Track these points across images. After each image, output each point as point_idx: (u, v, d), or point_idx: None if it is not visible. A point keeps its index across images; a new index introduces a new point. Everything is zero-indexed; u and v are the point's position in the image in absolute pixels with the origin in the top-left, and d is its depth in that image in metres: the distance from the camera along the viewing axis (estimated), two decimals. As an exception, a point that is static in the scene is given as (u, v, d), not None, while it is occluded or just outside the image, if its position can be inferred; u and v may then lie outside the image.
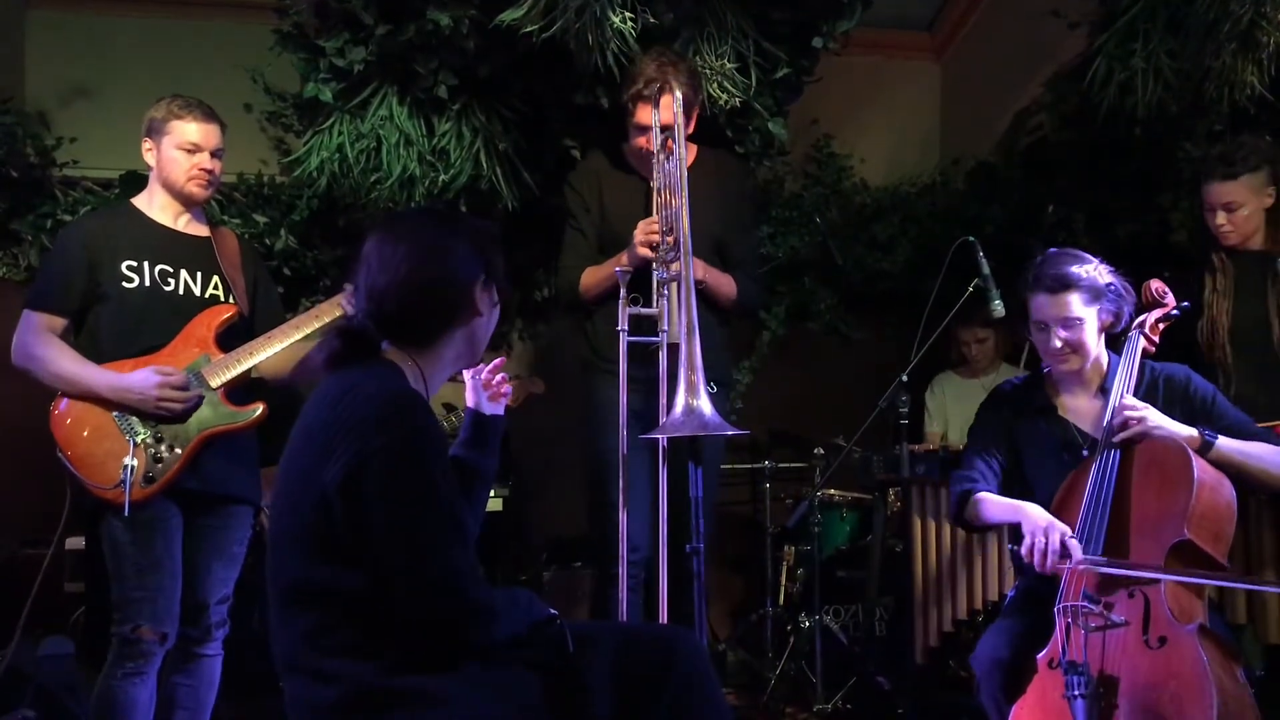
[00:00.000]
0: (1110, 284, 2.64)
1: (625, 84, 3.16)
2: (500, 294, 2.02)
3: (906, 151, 5.54)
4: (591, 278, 3.23)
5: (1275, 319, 3.21)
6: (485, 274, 1.96)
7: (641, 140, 3.14)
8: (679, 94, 2.99)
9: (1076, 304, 2.61)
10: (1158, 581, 2.33)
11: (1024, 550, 2.46)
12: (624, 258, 3.05)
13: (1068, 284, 2.61)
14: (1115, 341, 2.73)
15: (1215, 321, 3.26)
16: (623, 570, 2.83)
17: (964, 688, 3.62)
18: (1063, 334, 2.62)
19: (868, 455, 4.09)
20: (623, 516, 2.79)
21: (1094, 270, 2.64)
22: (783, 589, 4.51)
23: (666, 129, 3.03)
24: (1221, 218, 3.22)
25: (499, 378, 2.25)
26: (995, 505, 2.65)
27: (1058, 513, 2.55)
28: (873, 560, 4.04)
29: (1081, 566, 2.39)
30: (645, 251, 2.97)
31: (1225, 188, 3.19)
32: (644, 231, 3.00)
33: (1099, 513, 2.44)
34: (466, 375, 2.23)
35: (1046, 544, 2.42)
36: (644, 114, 3.08)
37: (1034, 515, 2.51)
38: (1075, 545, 2.42)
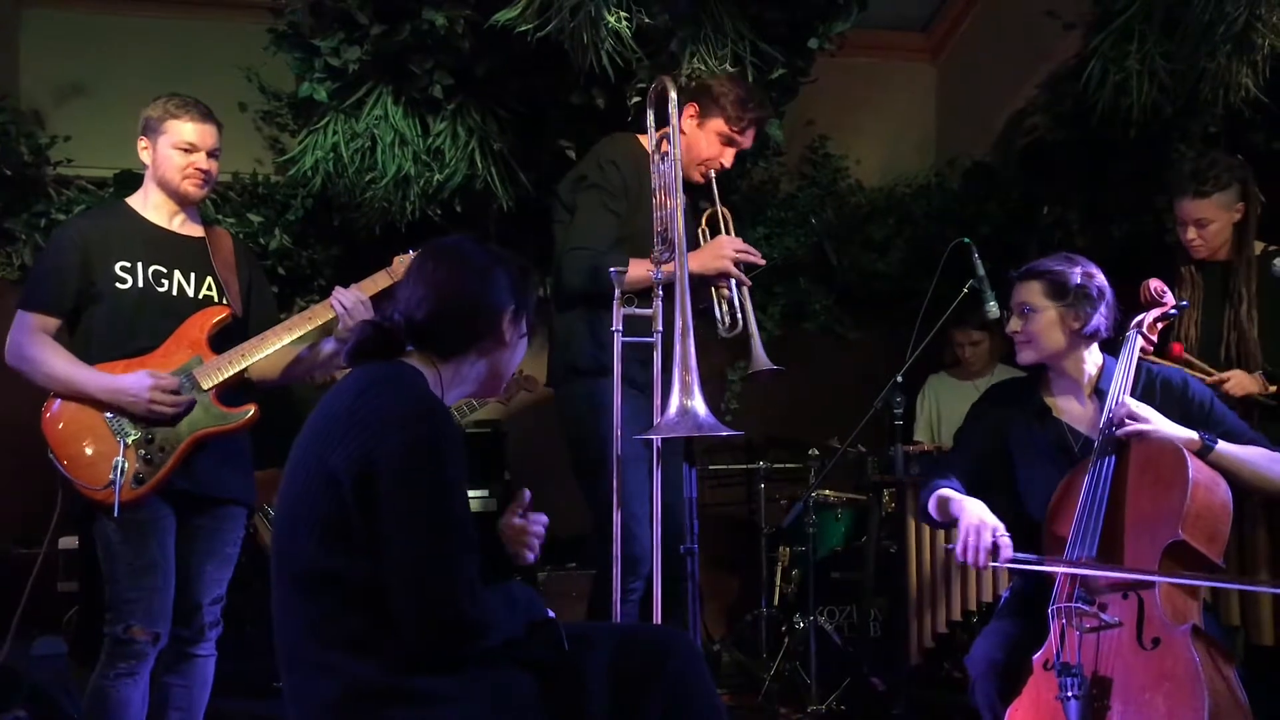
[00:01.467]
0: (1079, 285, 2.64)
1: (736, 100, 3.11)
2: (528, 330, 2.07)
3: (902, 152, 5.54)
4: (637, 272, 2.88)
5: (1229, 331, 3.27)
6: (516, 306, 2.01)
7: (716, 156, 3.13)
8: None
9: (1035, 293, 2.67)
10: (1152, 583, 2.33)
11: (958, 549, 2.49)
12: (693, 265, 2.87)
13: (1034, 274, 2.69)
14: (1113, 345, 2.73)
15: (1185, 333, 3.32)
16: (616, 575, 2.81)
17: (958, 688, 3.62)
18: (1017, 321, 2.71)
19: (863, 456, 4.09)
20: (616, 518, 2.78)
21: (1071, 269, 2.66)
22: (778, 590, 4.51)
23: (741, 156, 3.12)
24: (1192, 233, 3.29)
25: (534, 528, 2.10)
26: (940, 501, 2.67)
27: (1054, 514, 2.56)
28: (867, 561, 4.04)
29: (1009, 565, 2.47)
30: (730, 267, 2.95)
31: (1197, 205, 3.26)
32: (735, 250, 2.97)
33: (1094, 513, 2.44)
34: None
35: (979, 542, 2.45)
36: (748, 138, 3.15)
37: (970, 511, 2.54)
38: (1006, 544, 2.47)
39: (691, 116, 3.15)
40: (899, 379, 3.44)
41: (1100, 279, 2.68)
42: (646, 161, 3.09)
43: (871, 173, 5.43)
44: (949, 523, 2.67)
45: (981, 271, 3.28)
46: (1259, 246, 3.33)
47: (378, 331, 1.96)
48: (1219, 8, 3.47)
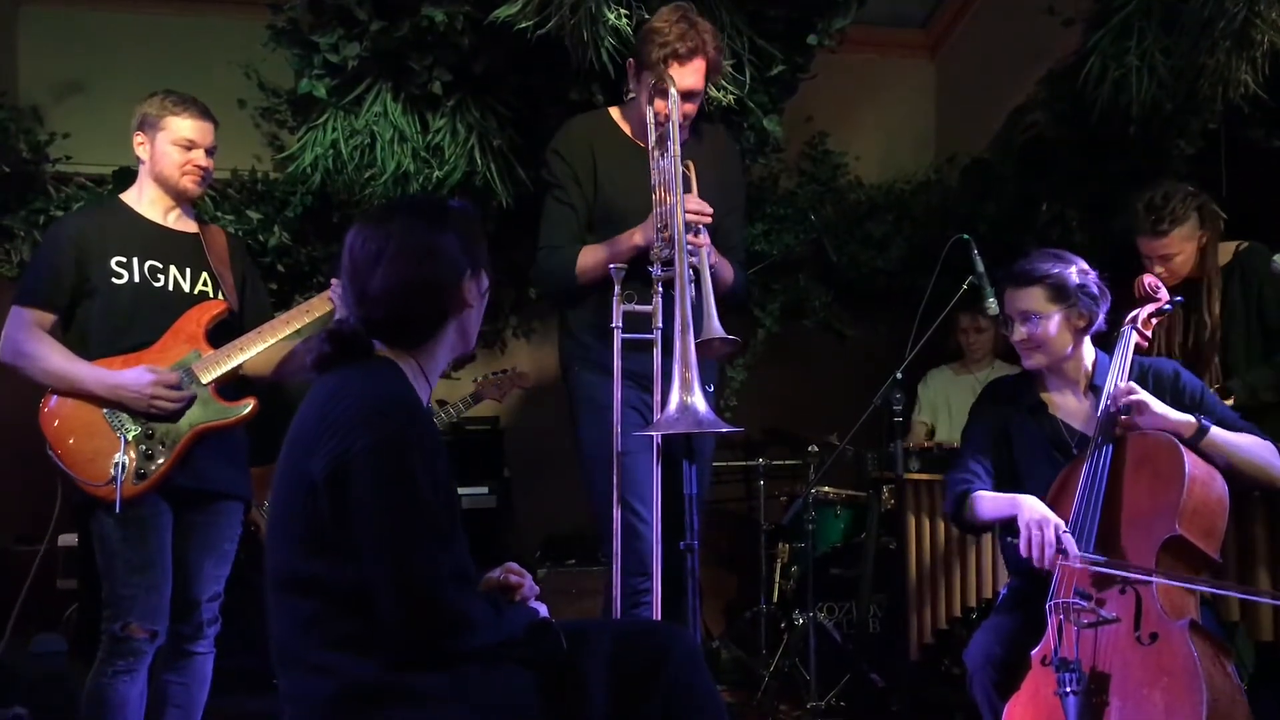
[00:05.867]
0: (1080, 284, 2.65)
1: (650, 40, 2.84)
2: (488, 279, 1.99)
3: (901, 149, 5.54)
4: (592, 258, 2.89)
5: (1209, 349, 3.27)
6: (472, 264, 1.94)
7: (663, 105, 2.81)
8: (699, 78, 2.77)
9: (1038, 299, 2.65)
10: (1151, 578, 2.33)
11: (1021, 545, 2.45)
12: (638, 236, 2.79)
13: (1032, 279, 2.67)
14: (1106, 341, 2.74)
15: (1170, 353, 3.32)
16: (617, 570, 2.81)
17: (958, 685, 3.62)
18: (1023, 329, 2.68)
19: (862, 453, 4.08)
20: (616, 514, 2.77)
21: (1067, 269, 2.65)
22: (777, 586, 4.51)
23: (692, 95, 2.80)
24: (1159, 268, 3.25)
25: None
26: (990, 501, 2.65)
27: (1051, 508, 2.55)
28: (867, 558, 4.04)
29: (1078, 564, 2.39)
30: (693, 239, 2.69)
31: (1159, 243, 3.24)
32: (686, 212, 2.69)
33: (1091, 508, 2.44)
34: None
35: (1043, 538, 2.42)
36: (678, 75, 2.80)
37: (1029, 507, 2.50)
38: (1070, 540, 2.42)
39: (634, 75, 2.95)
40: (898, 375, 3.44)
41: (1092, 273, 2.69)
42: (608, 132, 3.03)
43: (871, 169, 5.43)
44: (987, 525, 2.67)
45: (981, 268, 3.28)
46: (1229, 249, 3.31)
47: (339, 340, 1.88)
48: (1218, 4, 3.46)
